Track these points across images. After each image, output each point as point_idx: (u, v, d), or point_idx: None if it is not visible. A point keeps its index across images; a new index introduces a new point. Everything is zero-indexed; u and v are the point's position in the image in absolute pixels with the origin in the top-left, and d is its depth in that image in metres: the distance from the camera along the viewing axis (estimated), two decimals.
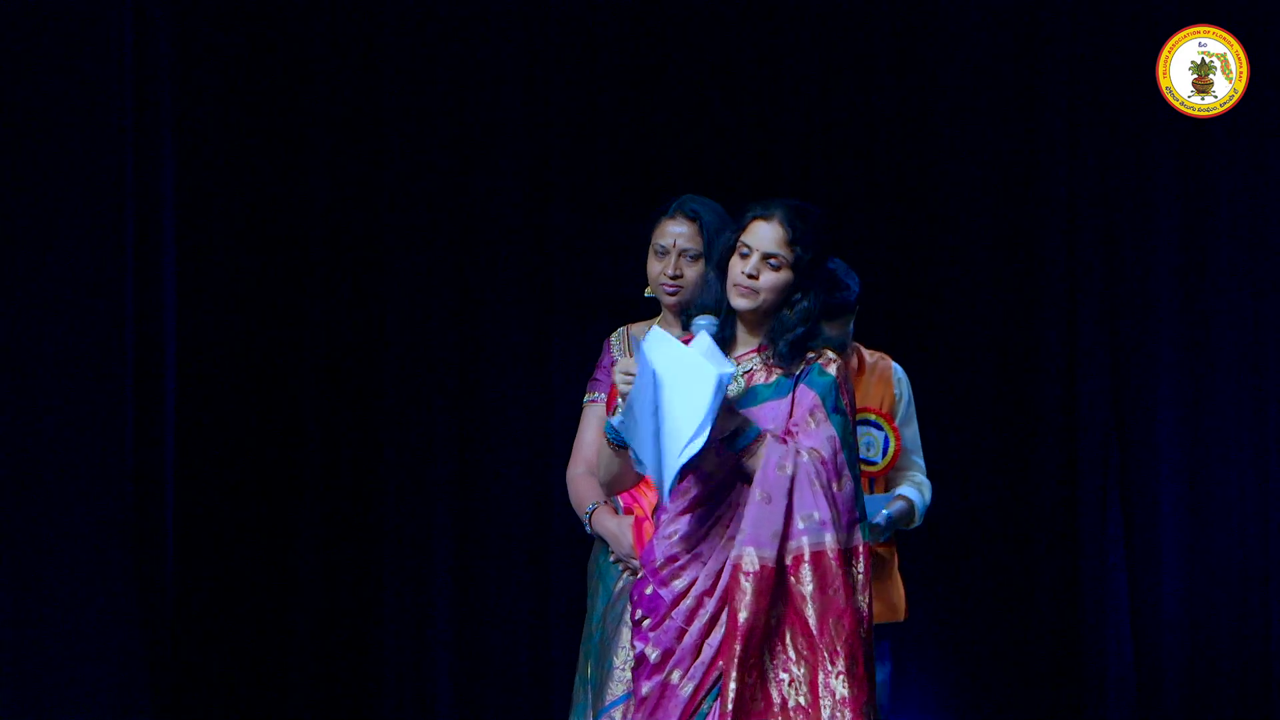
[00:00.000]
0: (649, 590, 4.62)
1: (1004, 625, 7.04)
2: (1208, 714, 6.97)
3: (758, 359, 4.66)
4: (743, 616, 4.45)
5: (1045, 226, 7.10)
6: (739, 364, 4.66)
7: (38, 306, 6.62)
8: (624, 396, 4.65)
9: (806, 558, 4.48)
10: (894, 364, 5.78)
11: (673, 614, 4.56)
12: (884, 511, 5.51)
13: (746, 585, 4.46)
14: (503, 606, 7.10)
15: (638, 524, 5.19)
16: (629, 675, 5.15)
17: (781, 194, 7.00)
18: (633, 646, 4.68)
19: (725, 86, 7.16)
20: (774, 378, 4.63)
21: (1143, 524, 7.03)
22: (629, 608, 5.22)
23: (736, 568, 4.48)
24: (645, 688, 4.58)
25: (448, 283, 7.14)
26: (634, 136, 7.13)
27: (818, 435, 4.55)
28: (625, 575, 5.24)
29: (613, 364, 5.40)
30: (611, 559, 5.26)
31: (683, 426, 4.47)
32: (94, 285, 6.69)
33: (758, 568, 4.46)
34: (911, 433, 5.73)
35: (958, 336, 7.14)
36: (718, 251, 4.75)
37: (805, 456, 4.51)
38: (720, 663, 4.50)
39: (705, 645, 4.53)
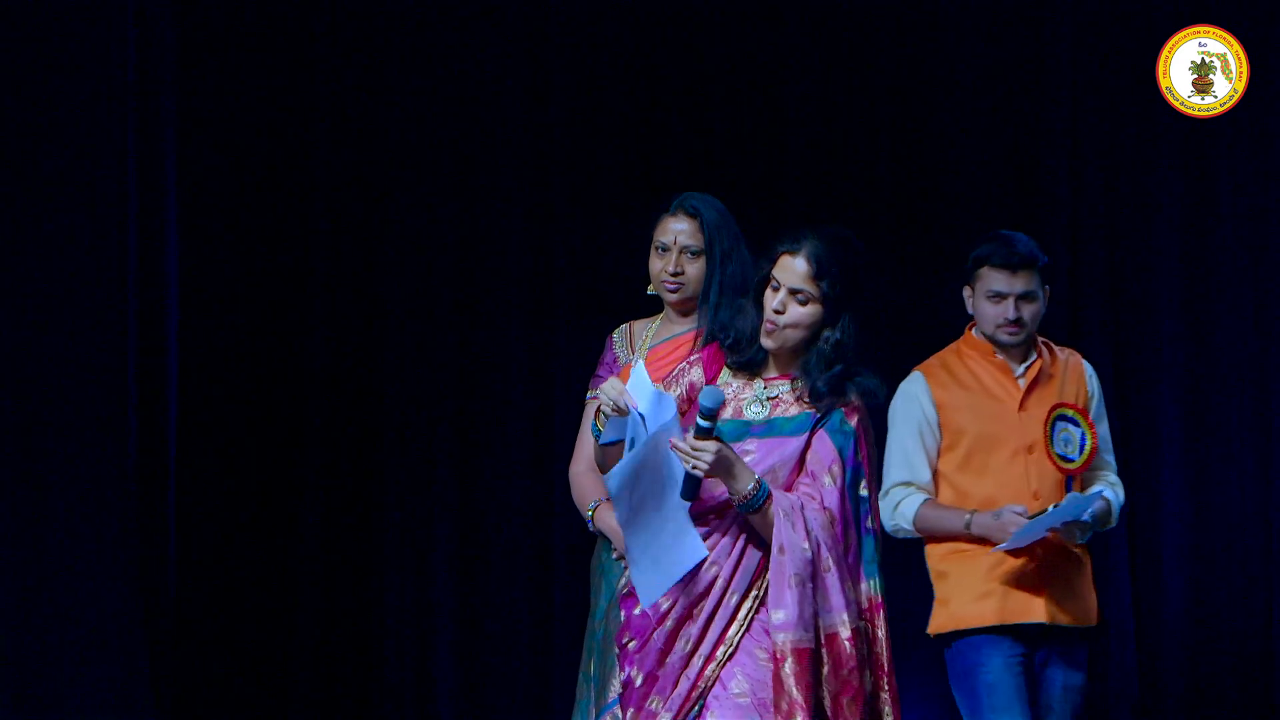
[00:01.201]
0: (637, 610, 4.59)
1: None
2: (1209, 712, 6.97)
3: (787, 386, 4.63)
4: (801, 696, 4.42)
5: (1047, 227, 7.10)
6: (767, 387, 4.63)
7: (40, 308, 6.63)
8: (604, 418, 4.61)
9: (822, 639, 4.46)
10: (1083, 360, 5.70)
11: (654, 636, 4.54)
12: (1089, 510, 5.41)
13: (800, 668, 4.43)
14: (504, 604, 7.10)
15: None
16: None
17: (782, 193, 7.08)
18: (620, 669, 4.65)
19: (728, 84, 7.17)
20: (797, 411, 4.59)
21: (1144, 523, 7.03)
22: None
23: (782, 657, 4.44)
24: (629, 714, 4.55)
25: (449, 281, 7.15)
26: (636, 134, 7.14)
27: (831, 495, 4.53)
28: (628, 572, 5.24)
29: (614, 360, 5.41)
30: (614, 556, 5.26)
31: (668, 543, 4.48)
32: (96, 287, 6.70)
33: (804, 650, 4.43)
34: (1104, 430, 5.62)
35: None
36: (753, 279, 4.71)
37: (820, 527, 4.48)
38: (694, 696, 4.48)
39: (683, 677, 4.51)
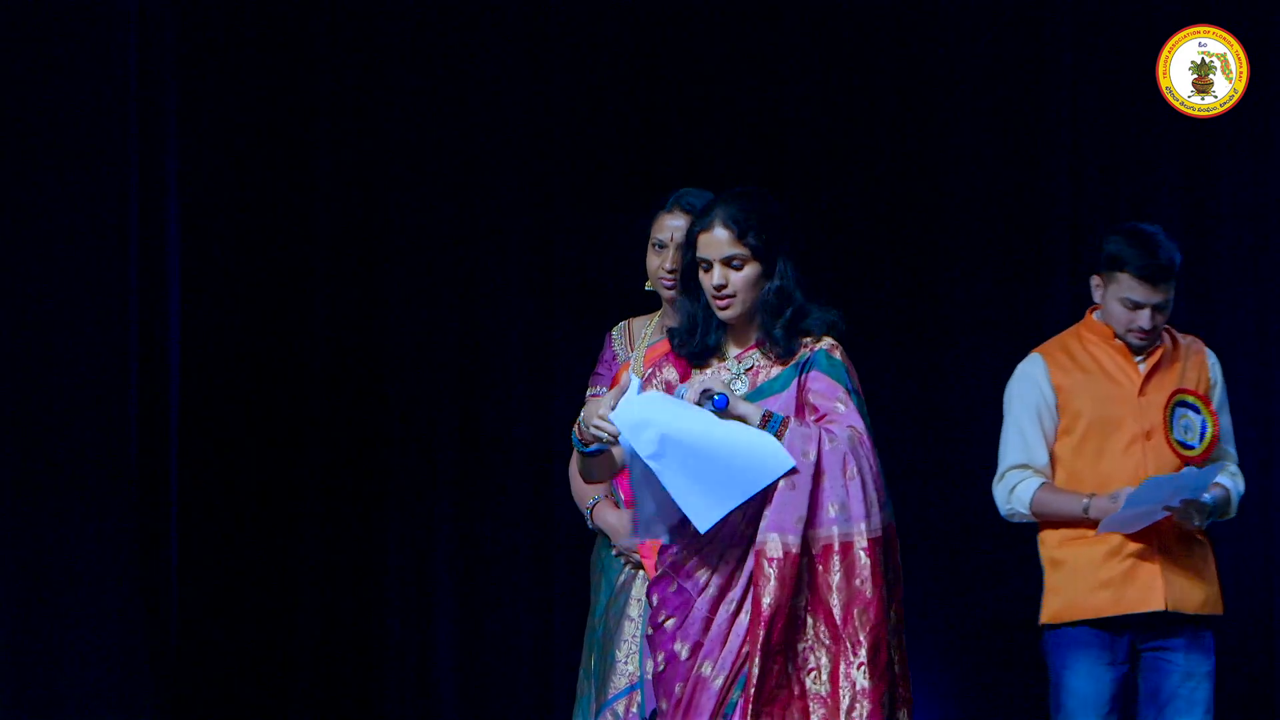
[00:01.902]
0: (673, 588, 4.55)
1: (1009, 625, 7.02)
2: (1218, 715, 6.95)
3: (758, 354, 4.62)
4: (766, 603, 4.39)
5: (1050, 226, 7.10)
6: (740, 362, 4.62)
7: (42, 308, 6.63)
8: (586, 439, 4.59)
9: (836, 548, 4.42)
10: (1206, 348, 5.63)
11: (697, 603, 4.50)
12: (1207, 495, 5.34)
13: (770, 571, 4.40)
14: (505, 601, 7.10)
15: None
16: (631, 668, 5.14)
17: (781, 192, 7.04)
18: (658, 650, 4.58)
19: (727, 80, 7.17)
20: (777, 370, 4.58)
21: None
22: (631, 603, 5.22)
23: (759, 554, 4.42)
24: (677, 688, 4.49)
25: (450, 278, 7.16)
26: (635, 130, 7.14)
27: (851, 416, 4.51)
28: (627, 569, 5.25)
29: (614, 358, 5.42)
30: (614, 553, 5.27)
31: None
32: (97, 287, 6.70)
33: (781, 554, 4.40)
34: (1225, 420, 5.54)
35: (963, 337, 7.13)
36: (681, 270, 4.71)
37: (836, 440, 4.46)
38: (743, 652, 4.44)
39: (732, 633, 4.46)
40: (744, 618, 4.46)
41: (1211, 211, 7.05)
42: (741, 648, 4.45)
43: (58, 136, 6.66)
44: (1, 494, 6.57)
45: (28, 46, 6.63)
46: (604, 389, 5.40)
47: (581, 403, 5.47)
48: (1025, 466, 5.52)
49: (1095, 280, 5.58)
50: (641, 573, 5.20)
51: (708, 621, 4.50)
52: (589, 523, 5.32)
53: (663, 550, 4.63)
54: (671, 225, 5.26)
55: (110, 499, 6.65)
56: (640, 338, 5.40)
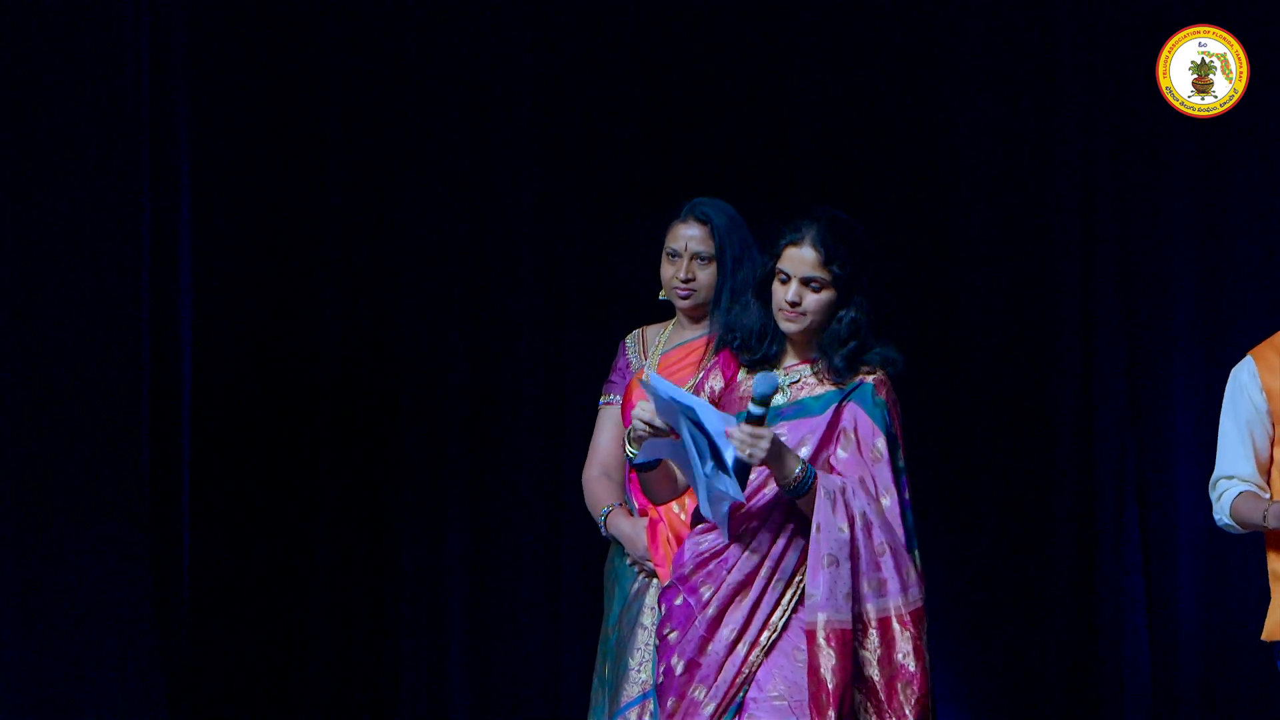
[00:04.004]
0: (679, 601, 4.59)
1: (1019, 625, 7.05)
2: (1224, 715, 6.97)
3: (808, 370, 4.64)
4: (832, 683, 4.42)
5: (1059, 230, 7.10)
6: (787, 374, 4.65)
7: (53, 312, 6.62)
8: (637, 440, 4.58)
9: (874, 624, 4.48)
10: None
11: (697, 620, 4.54)
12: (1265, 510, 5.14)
13: (831, 650, 4.43)
14: (516, 607, 7.09)
15: (652, 526, 5.21)
16: (644, 677, 5.16)
17: (793, 197, 7.07)
18: (660, 660, 4.63)
19: (736, 88, 7.16)
20: (822, 391, 4.61)
21: (1158, 524, 7.02)
22: (644, 611, 5.24)
23: (812, 634, 4.44)
24: (670, 702, 4.55)
25: (460, 282, 7.14)
26: (647, 137, 7.13)
27: (883, 472, 4.54)
28: (641, 577, 5.26)
29: (627, 365, 5.43)
30: (627, 561, 5.28)
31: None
32: (109, 285, 6.69)
33: (839, 632, 4.43)
34: None
35: (974, 339, 7.13)
36: (755, 275, 4.73)
37: (865, 509, 4.48)
38: (738, 683, 4.49)
39: (728, 662, 4.51)
40: (742, 649, 4.49)
41: (1224, 208, 7.02)
42: (736, 678, 4.49)
43: (68, 137, 6.64)
44: (14, 497, 6.57)
45: (40, 45, 6.61)
46: (617, 397, 5.42)
47: (592, 411, 5.49)
48: (1231, 476, 5.32)
49: None
50: (655, 581, 5.22)
51: (704, 641, 4.53)
52: (602, 531, 5.33)
53: (677, 555, 4.66)
54: (686, 234, 5.27)
55: (122, 503, 6.65)
56: (654, 346, 5.42)
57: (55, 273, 6.63)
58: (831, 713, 4.42)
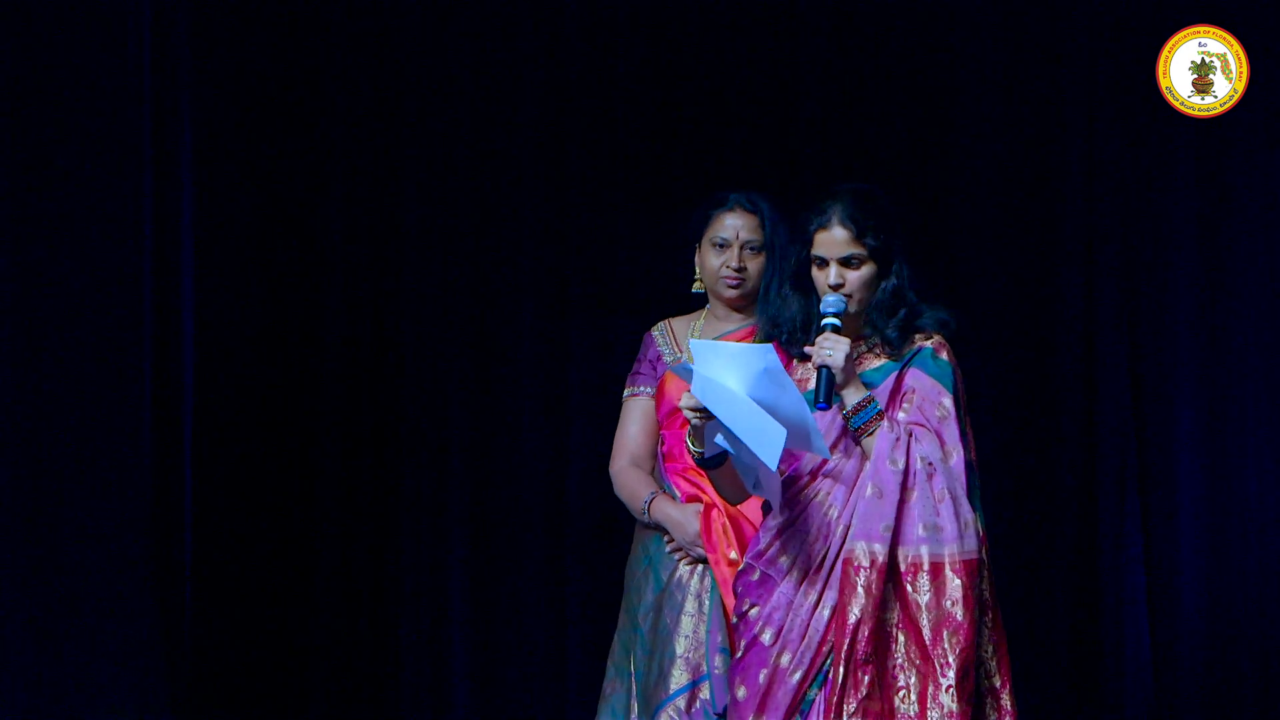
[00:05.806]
0: (755, 576, 4.57)
1: (1021, 619, 7.06)
2: (1226, 710, 6.99)
3: (863, 347, 4.63)
4: (854, 613, 4.40)
5: (1061, 230, 7.14)
6: None
7: (55, 304, 6.57)
8: (696, 431, 4.56)
9: (925, 567, 4.44)
10: None
11: (781, 587, 4.52)
12: None
13: (857, 580, 4.41)
14: (519, 601, 7.08)
15: (706, 511, 5.15)
16: (697, 660, 5.13)
17: (797, 190, 7.09)
18: (739, 640, 4.60)
19: (743, 81, 7.17)
20: (880, 362, 4.60)
21: (1160, 520, 7.04)
22: (689, 598, 5.18)
23: (846, 562, 4.42)
24: (762, 675, 4.52)
25: (465, 275, 7.12)
26: (652, 130, 7.14)
27: (949, 428, 4.51)
28: (681, 565, 5.19)
29: (658, 358, 5.39)
30: (666, 549, 5.23)
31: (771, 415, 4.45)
32: (111, 282, 6.65)
33: (868, 563, 4.41)
34: None
35: (976, 337, 7.15)
36: (789, 266, 4.73)
37: (927, 454, 4.46)
38: (824, 650, 4.46)
39: (811, 628, 4.47)
40: (824, 612, 4.47)
41: (1226, 207, 7.07)
42: (822, 645, 4.47)
43: (71, 129, 6.60)
44: (16, 490, 6.51)
45: (42, 40, 6.57)
46: (644, 389, 5.38)
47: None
48: None
49: None
50: (701, 567, 5.16)
51: (790, 606, 4.51)
52: (644, 517, 5.24)
53: (752, 544, 4.65)
54: (734, 223, 5.26)
55: (124, 495, 6.61)
56: (685, 337, 5.36)
57: (56, 270, 6.58)
58: (845, 640, 4.39)
